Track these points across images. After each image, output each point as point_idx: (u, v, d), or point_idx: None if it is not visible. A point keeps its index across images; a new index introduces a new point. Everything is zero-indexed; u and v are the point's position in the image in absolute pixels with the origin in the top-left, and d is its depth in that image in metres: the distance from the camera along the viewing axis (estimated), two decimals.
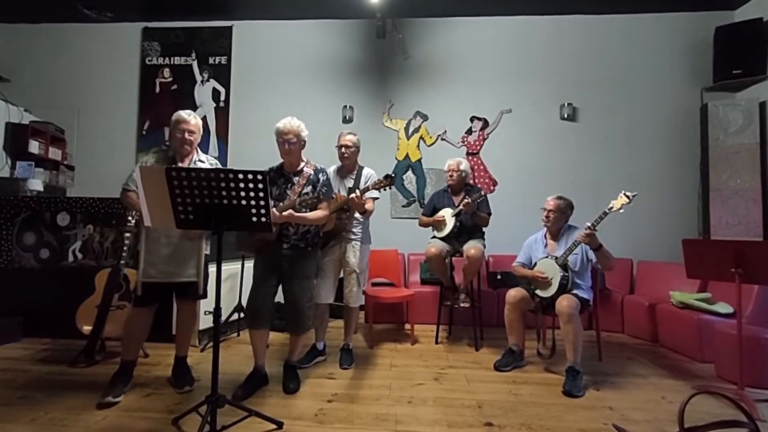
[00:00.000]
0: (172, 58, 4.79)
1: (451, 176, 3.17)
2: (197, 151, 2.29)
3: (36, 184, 4.00)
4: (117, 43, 4.81)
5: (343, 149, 2.72)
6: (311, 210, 2.23)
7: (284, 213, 2.10)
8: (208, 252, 2.30)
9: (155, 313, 2.27)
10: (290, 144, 2.24)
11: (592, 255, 2.56)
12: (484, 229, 3.18)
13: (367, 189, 2.50)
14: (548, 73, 4.47)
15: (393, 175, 2.49)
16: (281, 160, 2.35)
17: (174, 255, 2.16)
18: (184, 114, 2.20)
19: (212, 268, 2.03)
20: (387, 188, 2.52)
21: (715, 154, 3.97)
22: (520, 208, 4.22)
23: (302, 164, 2.35)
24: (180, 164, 2.19)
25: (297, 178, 2.31)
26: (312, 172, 2.33)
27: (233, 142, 4.71)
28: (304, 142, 2.32)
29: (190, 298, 2.29)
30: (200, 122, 2.27)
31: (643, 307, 3.44)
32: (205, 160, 2.31)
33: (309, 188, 2.29)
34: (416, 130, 4.59)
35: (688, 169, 4.25)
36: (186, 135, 2.18)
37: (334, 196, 2.55)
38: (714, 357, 2.68)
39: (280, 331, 3.24)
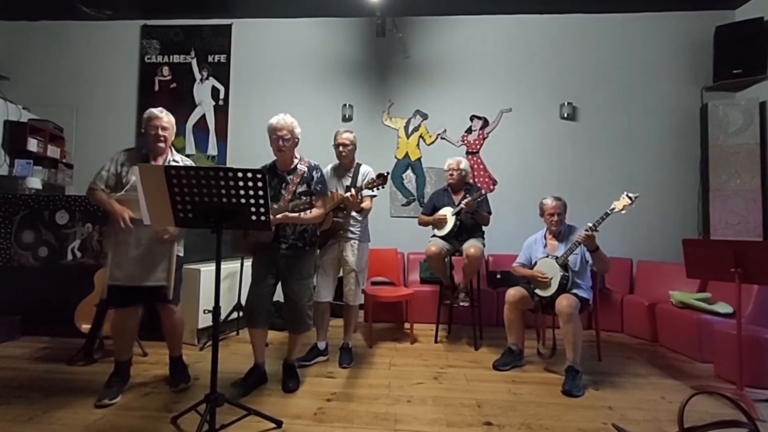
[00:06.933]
0: (171, 56, 4.77)
1: (451, 175, 3.17)
2: (171, 151, 2.25)
3: (34, 182, 3.99)
4: (116, 41, 4.79)
5: (340, 147, 2.71)
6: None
7: (278, 216, 2.09)
8: (181, 254, 2.23)
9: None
10: (284, 140, 2.21)
11: (588, 256, 2.56)
12: (483, 228, 3.18)
13: (361, 188, 2.48)
14: (548, 73, 4.46)
15: (386, 173, 2.47)
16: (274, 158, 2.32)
17: (143, 258, 2.07)
18: (156, 111, 2.18)
19: (211, 267, 2.02)
20: (380, 187, 2.50)
21: (715, 154, 3.97)
22: (520, 207, 4.20)
23: (296, 161, 2.32)
24: (153, 163, 2.16)
25: (291, 177, 2.27)
26: (306, 170, 2.29)
27: (232, 140, 4.70)
28: (298, 139, 2.28)
29: (160, 302, 2.20)
30: (173, 119, 2.24)
31: (643, 306, 3.44)
32: (180, 160, 2.27)
33: (303, 186, 2.26)
34: (416, 128, 4.58)
35: (688, 168, 4.24)
36: (159, 131, 2.15)
37: (330, 193, 2.53)
38: (713, 357, 2.69)
39: (280, 330, 3.24)
